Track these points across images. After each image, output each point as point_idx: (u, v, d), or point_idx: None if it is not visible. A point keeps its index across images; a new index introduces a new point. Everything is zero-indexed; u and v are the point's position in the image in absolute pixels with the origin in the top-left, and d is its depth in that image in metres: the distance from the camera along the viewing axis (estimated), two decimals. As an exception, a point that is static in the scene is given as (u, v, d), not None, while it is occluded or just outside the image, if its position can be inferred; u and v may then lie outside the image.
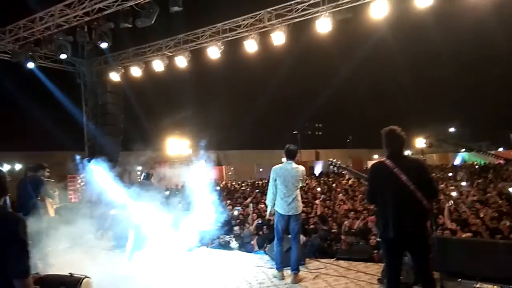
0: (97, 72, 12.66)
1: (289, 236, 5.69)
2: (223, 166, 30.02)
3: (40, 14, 9.29)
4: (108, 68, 12.19)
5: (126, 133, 13.03)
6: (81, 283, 3.74)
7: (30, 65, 10.28)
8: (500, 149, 40.95)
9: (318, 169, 35.84)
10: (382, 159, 3.83)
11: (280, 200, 5.46)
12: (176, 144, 27.87)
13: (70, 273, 3.85)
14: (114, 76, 11.92)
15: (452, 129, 49.34)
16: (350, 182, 18.47)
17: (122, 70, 11.95)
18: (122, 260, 6.74)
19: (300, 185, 5.60)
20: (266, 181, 23.89)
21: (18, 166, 22.75)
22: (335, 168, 5.28)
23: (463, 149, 38.54)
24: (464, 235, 6.79)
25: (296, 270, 5.49)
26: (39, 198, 6.42)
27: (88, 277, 3.82)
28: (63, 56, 9.89)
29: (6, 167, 23.09)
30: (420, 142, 41.18)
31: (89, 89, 12.65)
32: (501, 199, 9.84)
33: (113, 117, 12.07)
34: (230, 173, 29.96)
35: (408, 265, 4.19)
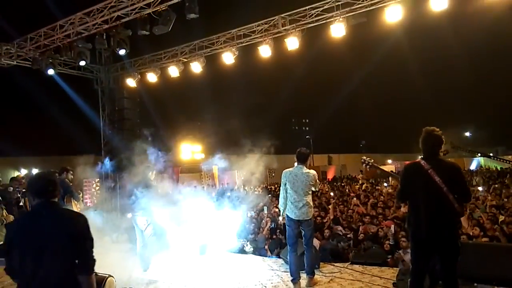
0: (114, 78, 12.92)
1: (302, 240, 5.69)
2: (235, 171, 30.06)
3: (60, 22, 9.54)
4: (125, 74, 12.44)
5: (141, 138, 13.22)
6: (105, 282, 3.85)
7: (51, 71, 10.56)
8: (517, 154, 40.13)
9: (330, 173, 35.66)
10: (417, 160, 3.87)
11: (290, 205, 5.41)
12: (188, 149, 28.08)
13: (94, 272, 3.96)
14: (131, 82, 12.16)
15: (467, 133, 48.66)
16: (363, 187, 18.38)
17: (139, 76, 12.18)
18: (138, 263, 6.84)
19: (313, 189, 5.55)
20: (278, 185, 23.89)
21: (34, 171, 23.20)
22: (368, 167, 5.22)
23: (479, 154, 38.00)
24: (481, 240, 6.77)
25: (311, 274, 5.51)
26: (65, 200, 6.63)
27: (112, 276, 3.92)
28: (82, 63, 10.15)
29: (23, 172, 23.59)
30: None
31: (106, 94, 12.91)
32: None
33: (130, 122, 12.31)
34: (242, 177, 29.94)
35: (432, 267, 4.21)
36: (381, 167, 5.69)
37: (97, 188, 20.66)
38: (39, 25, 9.85)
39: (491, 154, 37.41)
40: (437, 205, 3.64)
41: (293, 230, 5.46)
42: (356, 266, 6.47)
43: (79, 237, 2.50)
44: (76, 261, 2.50)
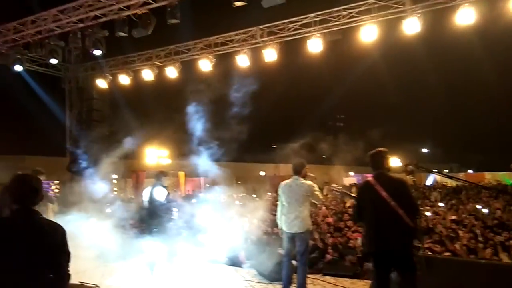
0: (83, 78, 12.47)
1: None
2: (201, 178, 29.73)
3: (32, 17, 9.16)
4: (95, 75, 12.05)
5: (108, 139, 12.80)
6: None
7: (18, 68, 10.03)
8: (470, 171, 42.46)
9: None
10: (368, 179, 4.05)
11: (283, 217, 5.30)
12: (154, 153, 27.37)
13: (80, 281, 3.77)
14: (101, 83, 11.78)
15: (424, 150, 50.79)
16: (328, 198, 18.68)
17: (110, 77, 11.83)
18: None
19: (314, 201, 5.40)
20: (245, 194, 23.83)
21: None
22: (338, 194, 5.33)
23: (435, 170, 39.70)
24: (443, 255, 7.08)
25: None
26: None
27: (98, 286, 3.75)
28: (53, 61, 9.72)
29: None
30: (394, 162, 42.16)
31: (74, 94, 12.43)
32: (476, 220, 10.19)
33: (98, 124, 11.88)
34: (207, 184, 29.67)
35: (394, 282, 4.34)
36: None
37: (57, 190, 19.84)
38: (9, 19, 9.39)
39: (446, 171, 39.26)
40: (386, 219, 3.73)
41: (287, 243, 5.30)
42: (328, 278, 6.57)
43: (56, 250, 2.34)
44: (51, 275, 2.34)
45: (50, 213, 6.57)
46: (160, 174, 6.49)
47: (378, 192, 3.75)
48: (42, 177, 6.67)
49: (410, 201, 3.84)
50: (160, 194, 6.24)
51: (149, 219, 6.34)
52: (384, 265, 3.84)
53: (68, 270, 2.40)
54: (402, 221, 3.68)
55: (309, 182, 5.33)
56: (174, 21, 7.83)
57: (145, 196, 6.41)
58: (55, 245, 2.35)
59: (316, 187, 5.35)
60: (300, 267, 5.29)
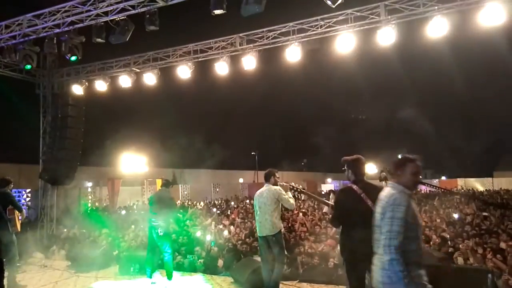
0: (59, 84, 12.19)
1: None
2: (179, 185, 29.51)
3: (6, 22, 8.95)
4: (71, 81, 11.78)
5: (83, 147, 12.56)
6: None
7: (-10, 73, 9.80)
8: (443, 178, 43.61)
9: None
10: (350, 185, 4.14)
11: (256, 223, 5.73)
12: (131, 161, 26.91)
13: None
14: (77, 89, 11.54)
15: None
16: (306, 205, 18.83)
17: (86, 83, 11.61)
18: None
19: (285, 206, 5.67)
20: (223, 200, 23.79)
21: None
22: (296, 193, 5.64)
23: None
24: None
25: None
26: (7, 212, 6.25)
27: None
28: (28, 67, 9.50)
29: None
30: (370, 168, 43.10)
31: (48, 101, 12.12)
32: (446, 225, 10.45)
33: (73, 131, 11.59)
34: (186, 192, 29.49)
35: (369, 286, 4.45)
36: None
37: (27, 199, 19.31)
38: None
39: (420, 177, 40.17)
40: (369, 227, 3.80)
41: (262, 247, 5.69)
42: (304, 284, 6.65)
43: None
44: None
45: (17, 220, 6.50)
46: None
47: (363, 201, 3.92)
48: (11, 186, 6.63)
49: None
50: None
51: None
52: (363, 270, 3.94)
53: None
54: None
55: (276, 187, 5.70)
56: (152, 28, 7.81)
57: None
58: None
59: (283, 192, 5.65)
60: (277, 266, 5.59)
